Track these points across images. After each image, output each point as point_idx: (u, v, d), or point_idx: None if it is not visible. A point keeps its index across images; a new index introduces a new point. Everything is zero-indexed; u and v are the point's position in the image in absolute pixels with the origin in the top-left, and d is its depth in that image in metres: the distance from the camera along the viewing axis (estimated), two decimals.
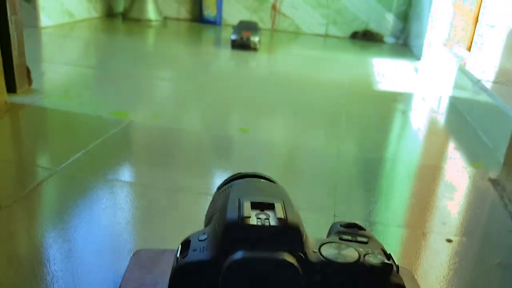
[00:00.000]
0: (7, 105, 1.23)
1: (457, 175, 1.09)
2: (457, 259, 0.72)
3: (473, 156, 1.21)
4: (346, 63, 2.41)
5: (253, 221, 0.41)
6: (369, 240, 0.45)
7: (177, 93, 1.63)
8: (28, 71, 1.44)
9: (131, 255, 0.63)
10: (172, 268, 0.42)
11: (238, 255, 0.39)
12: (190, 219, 0.78)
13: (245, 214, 0.41)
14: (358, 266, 0.41)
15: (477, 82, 1.55)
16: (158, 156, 1.05)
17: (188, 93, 1.61)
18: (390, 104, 1.65)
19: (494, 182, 1.02)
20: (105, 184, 0.88)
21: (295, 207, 0.44)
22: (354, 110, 1.56)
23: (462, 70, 1.76)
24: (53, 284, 0.59)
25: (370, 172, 1.06)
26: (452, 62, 1.94)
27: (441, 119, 1.60)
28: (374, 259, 0.42)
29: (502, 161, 1.09)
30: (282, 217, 0.41)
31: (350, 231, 0.47)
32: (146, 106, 1.41)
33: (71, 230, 0.72)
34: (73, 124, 1.21)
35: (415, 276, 0.65)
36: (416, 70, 2.34)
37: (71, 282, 0.60)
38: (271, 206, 0.43)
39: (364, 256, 0.42)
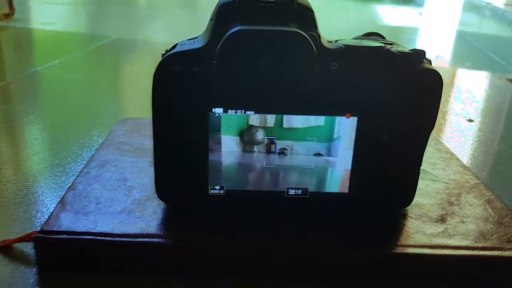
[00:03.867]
0: None
1: (476, 77, 1.01)
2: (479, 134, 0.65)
3: (489, 69, 1.13)
4: (347, 10, 2.31)
5: None
6: (394, 43, 0.38)
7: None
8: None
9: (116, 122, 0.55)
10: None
11: (235, 29, 0.31)
12: None
13: None
14: (384, 52, 0.34)
15: (486, 6, 1.46)
16: None
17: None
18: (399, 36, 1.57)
19: None
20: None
21: None
22: None
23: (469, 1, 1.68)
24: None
25: None
26: None
27: (451, 47, 1.52)
28: (402, 49, 0.35)
29: None
30: None
31: (372, 38, 0.39)
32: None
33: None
34: (58, 39, 1.13)
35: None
36: (421, 14, 2.25)
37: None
38: None
39: (391, 47, 0.35)
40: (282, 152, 0.35)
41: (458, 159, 0.50)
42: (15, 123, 0.61)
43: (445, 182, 0.44)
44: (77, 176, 0.41)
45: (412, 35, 1.63)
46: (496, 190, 0.43)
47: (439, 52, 1.38)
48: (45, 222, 0.34)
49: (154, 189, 0.36)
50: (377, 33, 0.40)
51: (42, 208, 0.42)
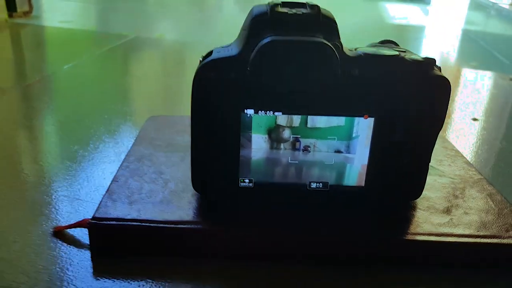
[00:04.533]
0: (8, 22, 1.19)
1: (481, 77, 1.05)
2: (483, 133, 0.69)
3: (493, 68, 1.17)
4: (355, 8, 2.34)
5: (284, 11, 0.37)
6: (407, 51, 0.42)
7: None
8: None
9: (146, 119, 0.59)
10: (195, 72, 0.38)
11: (268, 39, 0.35)
12: None
13: (275, 2, 0.37)
14: (399, 60, 0.38)
15: (492, 6, 1.49)
16: None
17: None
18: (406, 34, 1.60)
19: None
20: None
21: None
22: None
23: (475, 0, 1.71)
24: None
25: None
26: None
27: (456, 43, 1.55)
28: (415, 57, 0.39)
29: None
30: (316, 5, 0.37)
31: (387, 45, 0.43)
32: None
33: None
34: (75, 38, 1.17)
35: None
36: (427, 13, 2.28)
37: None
38: (303, 5, 0.39)
39: (405, 55, 0.39)
40: (306, 149, 0.40)
41: (462, 156, 0.54)
42: (36, 122, 0.65)
43: (450, 177, 0.48)
44: (118, 169, 0.45)
45: (418, 33, 1.66)
46: (497, 185, 0.47)
47: (445, 50, 1.42)
48: (96, 210, 0.39)
49: (190, 181, 0.41)
50: (392, 40, 0.44)
51: (58, 198, 0.46)
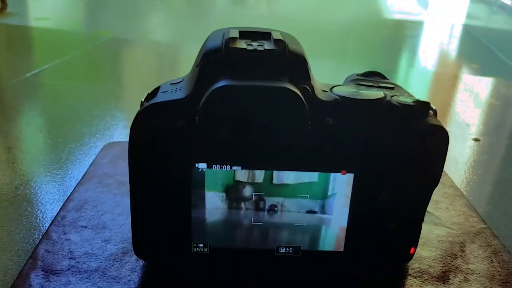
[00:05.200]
0: None
1: (478, 84, 0.97)
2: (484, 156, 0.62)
3: (495, 71, 1.09)
4: (352, 1, 2.25)
5: (242, 46, 0.30)
6: (395, 87, 0.34)
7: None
8: None
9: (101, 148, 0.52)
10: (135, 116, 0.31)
11: (222, 83, 0.28)
12: None
13: (231, 35, 0.30)
14: (384, 104, 0.31)
15: (495, 2, 1.41)
16: None
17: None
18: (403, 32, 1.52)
19: None
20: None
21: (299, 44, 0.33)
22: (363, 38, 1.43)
23: None
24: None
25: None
26: None
27: (456, 42, 1.47)
28: (404, 98, 0.31)
29: None
30: (281, 39, 0.30)
31: (371, 79, 0.35)
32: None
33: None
34: (51, 38, 1.10)
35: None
36: (426, 6, 2.19)
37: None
38: (266, 36, 0.31)
39: (392, 96, 0.31)
40: (272, 209, 0.33)
41: (462, 195, 0.47)
42: (11, 131, 0.58)
43: (448, 227, 0.41)
44: (52, 221, 0.38)
45: (417, 30, 1.58)
46: (502, 228, 0.40)
47: (444, 49, 1.34)
48: (13, 283, 0.32)
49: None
50: (378, 72, 0.37)
51: (42, 209, 0.40)
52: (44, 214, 0.43)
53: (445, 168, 0.33)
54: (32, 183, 0.48)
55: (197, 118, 0.29)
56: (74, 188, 0.43)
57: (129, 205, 0.40)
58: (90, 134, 0.61)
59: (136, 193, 0.32)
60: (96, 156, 0.50)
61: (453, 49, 1.40)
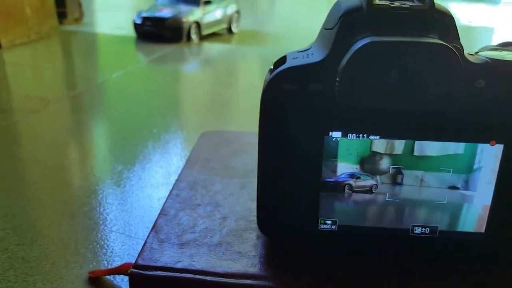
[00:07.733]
0: (58, 29, 1.16)
1: None
2: None
3: None
4: None
5: (384, 3, 0.28)
6: None
7: None
8: (80, 5, 1.37)
9: (199, 136, 0.52)
10: (264, 82, 0.30)
11: (367, 40, 0.26)
12: None
13: None
14: None
15: None
16: None
17: None
18: None
19: None
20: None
21: None
22: None
23: None
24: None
25: None
26: None
27: None
28: None
29: None
30: None
31: (508, 48, 0.33)
32: None
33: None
34: (125, 46, 1.13)
35: None
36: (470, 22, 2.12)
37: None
38: None
39: None
40: (410, 184, 0.30)
41: None
42: (81, 137, 0.59)
43: None
44: (167, 198, 0.38)
45: (486, 34, 1.52)
46: None
47: None
48: (139, 253, 0.31)
49: (252, 217, 0.32)
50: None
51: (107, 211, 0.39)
52: (151, 198, 0.42)
53: None
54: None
55: (338, 79, 0.27)
56: (181, 171, 0.43)
57: (237, 187, 0.39)
58: (178, 126, 0.61)
59: (265, 164, 0.30)
60: (196, 143, 0.49)
61: None
